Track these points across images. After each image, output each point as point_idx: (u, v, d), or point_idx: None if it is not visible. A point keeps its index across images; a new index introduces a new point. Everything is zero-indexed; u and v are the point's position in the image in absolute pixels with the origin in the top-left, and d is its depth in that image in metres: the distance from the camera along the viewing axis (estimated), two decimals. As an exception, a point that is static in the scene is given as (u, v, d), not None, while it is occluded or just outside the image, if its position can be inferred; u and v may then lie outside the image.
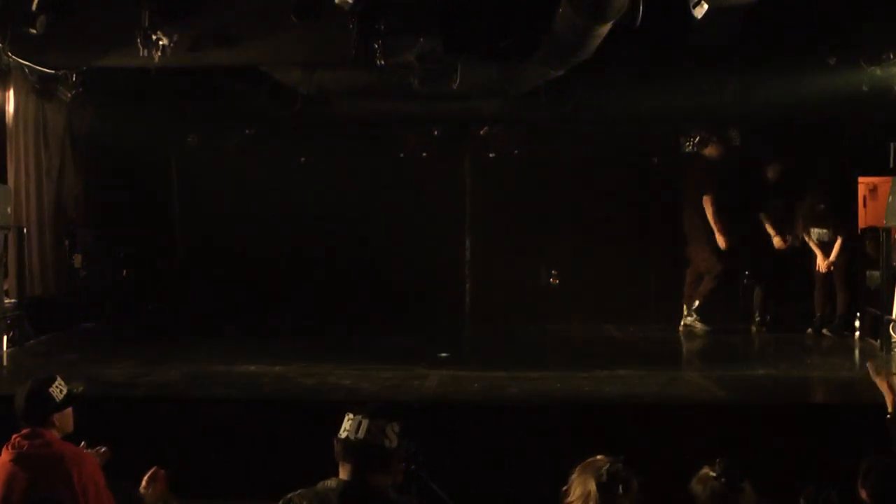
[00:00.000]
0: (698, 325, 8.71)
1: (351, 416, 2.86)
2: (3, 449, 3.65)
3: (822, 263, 8.43)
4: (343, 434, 2.83)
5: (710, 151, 8.99)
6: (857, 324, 8.46)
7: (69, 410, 3.81)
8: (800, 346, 8.07)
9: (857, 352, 7.89)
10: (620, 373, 6.47)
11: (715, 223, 8.60)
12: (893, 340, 7.29)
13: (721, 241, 8.60)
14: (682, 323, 8.88)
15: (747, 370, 6.69)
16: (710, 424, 5.29)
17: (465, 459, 5.08)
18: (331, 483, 2.81)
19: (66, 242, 8.97)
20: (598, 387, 6.01)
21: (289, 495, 2.83)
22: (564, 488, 2.67)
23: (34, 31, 6.85)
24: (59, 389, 3.75)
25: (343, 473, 2.83)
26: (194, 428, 5.38)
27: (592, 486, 2.60)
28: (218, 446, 5.25)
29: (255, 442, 5.28)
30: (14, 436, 3.66)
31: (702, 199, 8.68)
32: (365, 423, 2.81)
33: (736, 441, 5.06)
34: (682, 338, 8.77)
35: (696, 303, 8.76)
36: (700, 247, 8.82)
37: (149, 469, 3.25)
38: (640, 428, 5.25)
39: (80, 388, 3.92)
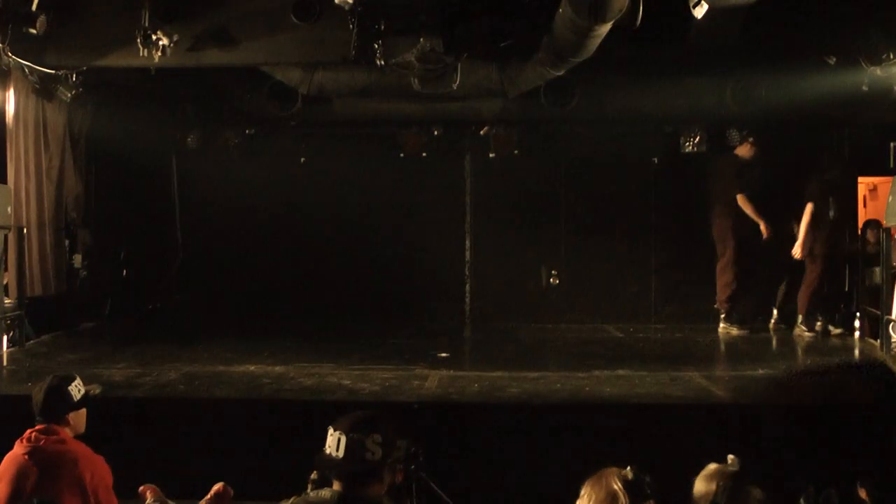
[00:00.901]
0: (734, 330, 8.75)
1: (331, 430, 2.76)
2: (17, 443, 3.66)
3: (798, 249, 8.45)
4: (327, 450, 2.74)
5: (743, 151, 8.93)
6: (857, 324, 8.46)
7: (83, 411, 3.84)
8: (800, 346, 8.08)
9: (856, 352, 7.89)
10: (620, 373, 6.47)
11: (759, 217, 8.61)
12: (893, 340, 7.29)
13: (766, 231, 8.61)
14: (720, 326, 8.90)
15: (747, 370, 6.69)
16: (710, 424, 5.28)
17: (465, 459, 5.09)
18: (325, 493, 2.74)
19: (66, 242, 8.97)
20: (598, 387, 6.01)
21: (282, 503, 2.79)
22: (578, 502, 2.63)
23: (34, 31, 6.86)
24: (77, 388, 3.81)
25: (336, 485, 2.77)
26: (194, 428, 5.38)
27: (618, 485, 2.58)
28: (218, 446, 5.24)
29: (255, 442, 5.28)
30: (29, 430, 3.67)
31: (735, 200, 8.69)
32: (343, 439, 2.71)
33: (736, 441, 5.06)
34: (682, 338, 8.78)
35: (725, 309, 8.83)
36: (728, 248, 8.82)
37: (147, 469, 3.26)
38: (640, 428, 5.25)
39: (98, 391, 3.95)
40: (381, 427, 2.77)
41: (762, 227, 8.61)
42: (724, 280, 8.87)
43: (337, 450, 2.71)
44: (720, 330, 8.82)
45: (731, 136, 9.46)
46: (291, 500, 2.78)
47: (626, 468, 2.61)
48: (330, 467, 2.73)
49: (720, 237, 8.94)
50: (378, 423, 2.80)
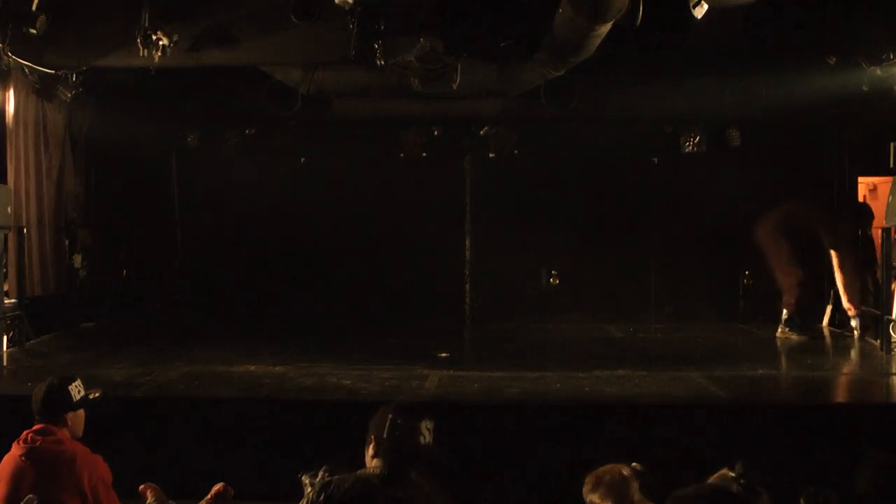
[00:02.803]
0: (794, 336, 8.37)
1: (390, 415, 2.99)
2: (14, 444, 3.65)
3: None
4: (385, 433, 2.95)
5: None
6: (853, 323, 8.43)
7: (82, 413, 3.84)
8: (800, 346, 8.07)
9: (857, 352, 7.89)
10: (620, 373, 6.46)
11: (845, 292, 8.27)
12: (893, 340, 7.29)
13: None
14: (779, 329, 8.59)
15: (747, 370, 6.69)
16: (710, 424, 5.28)
17: (465, 459, 5.08)
18: (374, 470, 2.91)
19: (66, 242, 8.97)
20: (598, 387, 6.00)
21: (328, 478, 2.91)
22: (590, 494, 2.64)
23: (34, 31, 6.86)
24: (77, 390, 3.81)
25: (379, 465, 2.93)
26: (194, 428, 5.38)
27: (628, 472, 2.59)
28: (218, 446, 5.25)
29: (256, 442, 5.28)
30: (25, 431, 3.67)
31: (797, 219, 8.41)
32: (426, 423, 2.98)
33: (736, 441, 5.07)
34: (682, 338, 8.77)
35: (790, 312, 8.46)
36: (783, 248, 8.46)
37: (147, 469, 3.26)
38: (640, 428, 5.25)
39: (97, 394, 3.95)
40: (428, 415, 3.04)
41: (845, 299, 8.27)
42: (790, 282, 8.44)
43: (390, 431, 2.94)
44: (778, 334, 8.45)
45: (731, 136, 9.47)
46: (336, 478, 2.89)
47: (632, 465, 2.64)
48: (382, 437, 2.94)
49: (772, 238, 8.60)
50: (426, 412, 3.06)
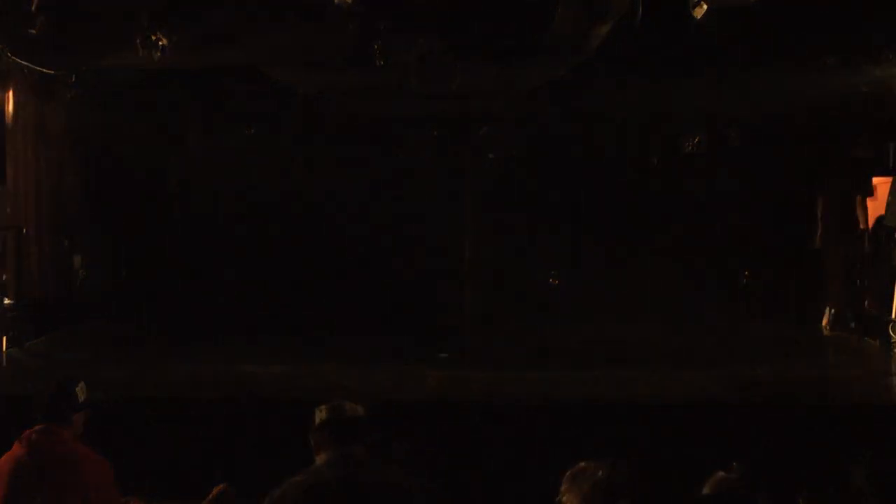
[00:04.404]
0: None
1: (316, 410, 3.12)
2: (15, 443, 3.64)
3: None
4: (317, 422, 3.07)
5: (866, 153, 8.62)
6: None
7: (84, 414, 3.84)
8: (800, 346, 8.08)
9: (856, 352, 7.88)
10: (620, 373, 6.46)
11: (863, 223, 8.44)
12: (893, 340, 7.29)
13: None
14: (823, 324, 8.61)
15: (747, 370, 6.69)
16: (710, 424, 5.29)
17: (466, 459, 5.09)
18: (319, 462, 2.98)
19: (66, 242, 8.97)
20: (598, 387, 6.01)
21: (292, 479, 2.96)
22: (557, 499, 2.66)
23: (34, 32, 6.86)
24: (82, 391, 3.80)
25: (323, 456, 3.00)
26: (194, 428, 5.38)
27: (600, 480, 2.60)
28: (218, 446, 5.25)
29: (256, 442, 5.28)
30: (28, 431, 3.65)
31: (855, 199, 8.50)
32: (325, 408, 3.10)
33: (736, 441, 5.07)
34: (682, 338, 8.78)
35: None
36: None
37: (147, 469, 3.25)
38: (640, 428, 5.26)
39: (98, 395, 3.95)
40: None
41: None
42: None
43: (322, 416, 3.08)
44: None
45: (732, 136, 9.47)
46: (294, 479, 2.94)
47: (602, 464, 2.65)
48: (321, 430, 3.04)
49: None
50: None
